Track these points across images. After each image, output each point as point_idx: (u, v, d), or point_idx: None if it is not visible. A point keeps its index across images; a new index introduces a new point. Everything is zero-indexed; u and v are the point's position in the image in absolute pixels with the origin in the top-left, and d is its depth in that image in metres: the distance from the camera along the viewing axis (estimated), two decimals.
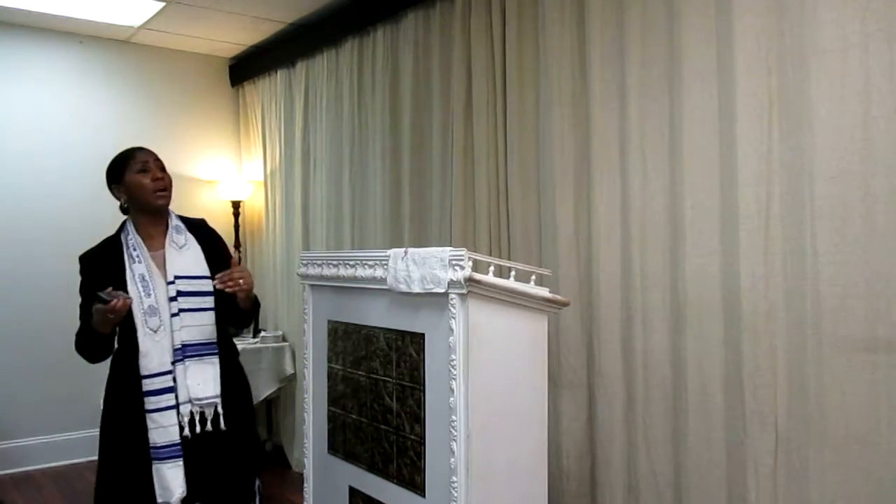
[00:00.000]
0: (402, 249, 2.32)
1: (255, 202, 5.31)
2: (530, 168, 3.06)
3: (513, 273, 2.32)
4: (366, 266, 2.47)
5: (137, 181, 2.38)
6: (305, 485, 2.90)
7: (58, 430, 4.67)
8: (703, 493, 2.39)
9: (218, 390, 2.32)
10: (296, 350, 4.67)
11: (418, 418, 2.29)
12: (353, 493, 2.61)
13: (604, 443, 2.74)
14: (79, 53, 4.83)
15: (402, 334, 2.37)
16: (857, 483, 1.99)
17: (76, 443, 4.70)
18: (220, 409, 2.31)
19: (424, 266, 2.21)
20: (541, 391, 2.35)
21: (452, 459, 2.14)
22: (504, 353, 2.25)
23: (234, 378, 2.44)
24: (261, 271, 5.24)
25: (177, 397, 2.27)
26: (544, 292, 2.37)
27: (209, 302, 2.34)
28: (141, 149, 2.52)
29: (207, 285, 2.32)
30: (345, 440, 2.65)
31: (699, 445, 2.40)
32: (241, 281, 2.26)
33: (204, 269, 2.35)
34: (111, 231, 2.55)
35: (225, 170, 5.36)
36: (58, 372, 4.65)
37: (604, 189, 2.74)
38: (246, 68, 5.30)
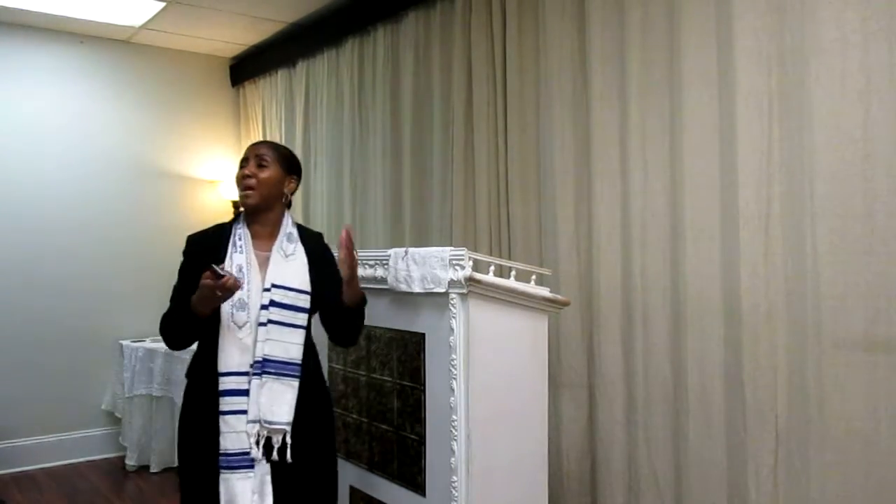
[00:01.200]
0: (403, 249, 2.32)
1: None
2: (530, 168, 3.06)
3: (513, 273, 2.33)
4: (366, 266, 2.48)
5: (236, 175, 2.17)
6: None
7: (58, 430, 4.66)
8: (703, 493, 2.39)
9: (290, 417, 2.04)
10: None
11: (418, 418, 2.29)
12: (354, 492, 2.61)
13: (604, 443, 2.74)
14: (79, 53, 4.83)
15: (403, 334, 2.37)
16: (857, 483, 1.99)
17: (76, 443, 4.70)
18: (288, 440, 2.03)
19: (425, 266, 2.21)
20: (541, 391, 2.35)
21: (452, 459, 2.14)
22: (504, 353, 2.25)
23: (314, 407, 2.15)
24: None
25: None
26: (545, 292, 2.37)
27: (302, 319, 2.09)
28: (259, 142, 2.25)
29: (304, 301, 2.09)
30: (345, 440, 2.65)
31: (699, 445, 2.40)
32: (356, 255, 2.06)
33: (305, 284, 2.10)
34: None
35: (225, 170, 5.36)
36: (58, 372, 4.66)
37: (604, 189, 2.74)
38: (246, 68, 5.30)
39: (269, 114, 5.12)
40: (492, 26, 3.24)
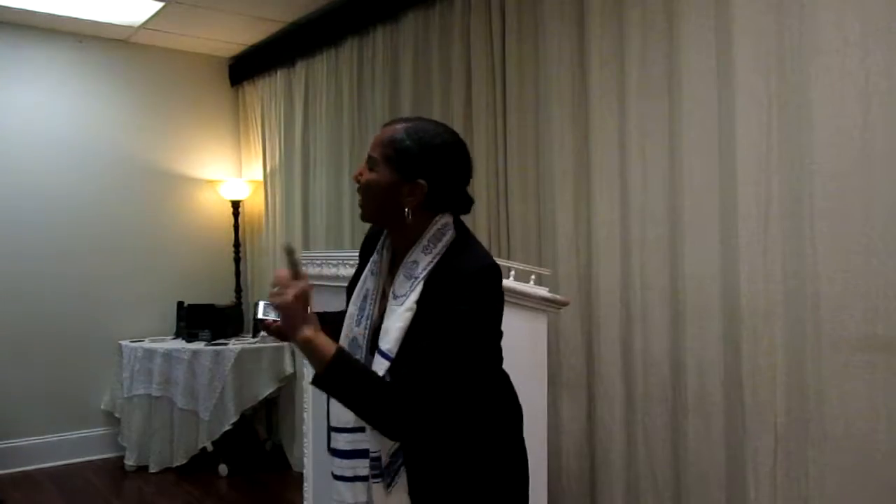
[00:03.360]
0: None
1: (255, 202, 5.31)
2: (530, 168, 3.06)
3: (512, 273, 2.32)
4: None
5: None
6: (305, 484, 2.90)
7: (57, 430, 4.66)
8: (702, 493, 2.39)
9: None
10: (295, 350, 4.65)
11: None
12: None
13: (604, 443, 2.74)
14: (79, 53, 4.82)
15: None
16: (856, 483, 1.99)
17: (75, 443, 4.69)
18: None
19: None
20: (540, 391, 2.35)
21: None
22: (503, 353, 2.24)
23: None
24: (261, 271, 5.24)
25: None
26: (544, 292, 2.37)
27: None
28: (385, 124, 1.56)
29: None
30: None
31: (699, 445, 2.40)
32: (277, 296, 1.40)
33: (392, 344, 1.45)
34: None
35: (225, 170, 5.36)
36: (57, 372, 4.66)
37: (603, 188, 2.74)
38: (246, 68, 5.29)
39: (268, 114, 5.11)
40: (491, 26, 3.24)
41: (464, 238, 1.52)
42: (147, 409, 4.48)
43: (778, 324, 2.18)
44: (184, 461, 4.43)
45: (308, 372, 2.89)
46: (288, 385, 4.73)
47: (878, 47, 1.95)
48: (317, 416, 2.83)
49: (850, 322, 2.00)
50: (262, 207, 5.18)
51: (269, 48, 4.99)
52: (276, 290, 1.38)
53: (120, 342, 4.70)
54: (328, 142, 4.45)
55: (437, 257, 1.47)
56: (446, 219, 1.52)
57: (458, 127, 3.40)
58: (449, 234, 1.50)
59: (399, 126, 1.51)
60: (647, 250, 2.59)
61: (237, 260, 5.27)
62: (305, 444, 2.89)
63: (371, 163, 1.50)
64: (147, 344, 4.58)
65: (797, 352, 2.13)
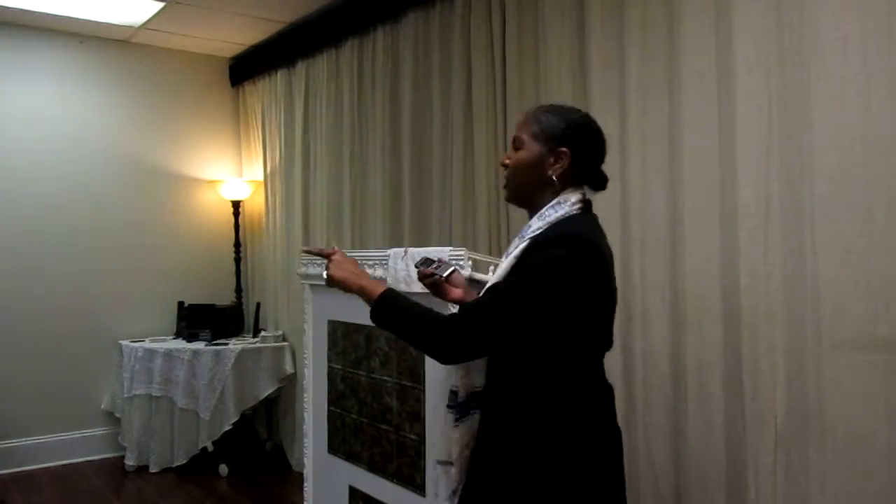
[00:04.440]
0: (402, 249, 2.32)
1: (255, 202, 5.31)
2: None
3: None
4: (366, 265, 2.47)
5: None
6: (305, 484, 2.91)
7: (57, 430, 4.66)
8: (702, 493, 2.39)
9: (443, 455, 1.76)
10: (296, 350, 4.67)
11: (418, 418, 2.29)
12: (353, 492, 2.61)
13: None
14: (79, 53, 4.83)
15: None
16: (856, 482, 1.99)
17: (76, 443, 4.69)
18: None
19: None
20: None
21: None
22: None
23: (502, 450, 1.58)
24: (261, 271, 5.25)
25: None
26: None
27: None
28: (532, 109, 1.68)
29: None
30: (345, 440, 2.65)
31: (698, 445, 2.40)
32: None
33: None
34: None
35: (225, 170, 5.36)
36: (57, 372, 4.66)
37: None
38: (246, 68, 5.30)
39: (268, 114, 5.11)
40: (491, 26, 3.24)
41: (580, 216, 1.59)
42: (147, 409, 4.49)
43: (778, 323, 2.18)
44: (184, 461, 4.43)
45: (307, 373, 2.89)
46: (288, 385, 4.74)
47: (878, 47, 1.95)
48: (317, 416, 2.83)
49: (851, 322, 2.00)
50: (263, 207, 5.18)
51: (269, 48, 4.99)
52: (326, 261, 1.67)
53: (120, 342, 4.70)
54: (328, 142, 4.45)
55: (547, 226, 1.55)
56: (574, 196, 1.60)
57: (458, 127, 3.42)
58: (567, 207, 1.58)
59: (540, 108, 1.67)
60: (647, 250, 2.59)
61: (237, 260, 5.27)
62: (305, 444, 2.89)
63: (517, 143, 1.62)
64: (147, 344, 4.59)
65: (797, 351, 2.13)
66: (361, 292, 1.61)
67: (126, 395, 4.53)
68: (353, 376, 2.61)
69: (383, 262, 2.39)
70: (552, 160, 1.58)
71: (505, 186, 1.67)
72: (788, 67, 2.15)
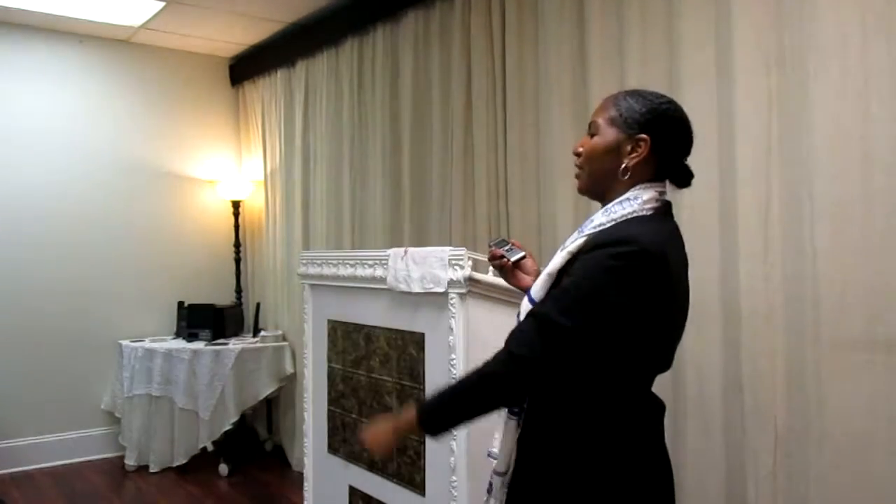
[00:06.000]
0: (402, 249, 2.32)
1: (255, 202, 5.31)
2: (530, 167, 3.06)
3: None
4: (365, 265, 2.47)
5: None
6: (305, 484, 2.91)
7: (57, 430, 4.66)
8: (702, 493, 2.38)
9: (502, 466, 1.52)
10: (296, 350, 4.67)
11: None
12: (353, 492, 2.61)
13: None
14: (79, 53, 4.83)
15: (402, 334, 2.37)
16: (856, 483, 1.99)
17: (75, 443, 4.69)
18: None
19: (424, 265, 2.21)
20: None
21: (452, 458, 2.14)
22: None
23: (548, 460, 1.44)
24: (261, 271, 5.25)
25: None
26: None
27: None
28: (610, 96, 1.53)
29: None
30: (345, 440, 2.65)
31: (698, 446, 2.40)
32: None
33: (537, 287, 1.47)
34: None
35: (225, 169, 5.36)
36: (57, 372, 4.66)
37: None
38: (246, 68, 5.30)
39: (268, 114, 5.11)
40: (491, 25, 3.24)
41: (649, 218, 1.42)
42: (147, 408, 4.49)
43: (778, 324, 2.18)
44: (184, 461, 4.43)
45: (307, 373, 2.89)
46: (288, 385, 4.74)
47: (878, 47, 1.95)
48: (317, 415, 2.83)
49: (851, 322, 2.00)
50: (263, 207, 5.18)
51: (269, 48, 4.99)
52: None
53: (120, 342, 4.70)
54: (328, 141, 4.45)
55: (612, 223, 1.39)
56: (647, 193, 1.44)
57: (458, 127, 3.41)
58: (636, 205, 1.42)
59: (622, 92, 1.52)
60: None
61: (237, 260, 5.27)
62: (305, 444, 2.89)
63: (593, 128, 1.48)
64: (147, 344, 4.59)
65: (797, 352, 2.13)
66: (403, 428, 1.48)
67: (126, 395, 4.53)
68: (353, 376, 2.61)
69: (383, 261, 2.39)
70: (629, 148, 1.44)
71: (577, 176, 1.51)
72: (788, 67, 2.15)
